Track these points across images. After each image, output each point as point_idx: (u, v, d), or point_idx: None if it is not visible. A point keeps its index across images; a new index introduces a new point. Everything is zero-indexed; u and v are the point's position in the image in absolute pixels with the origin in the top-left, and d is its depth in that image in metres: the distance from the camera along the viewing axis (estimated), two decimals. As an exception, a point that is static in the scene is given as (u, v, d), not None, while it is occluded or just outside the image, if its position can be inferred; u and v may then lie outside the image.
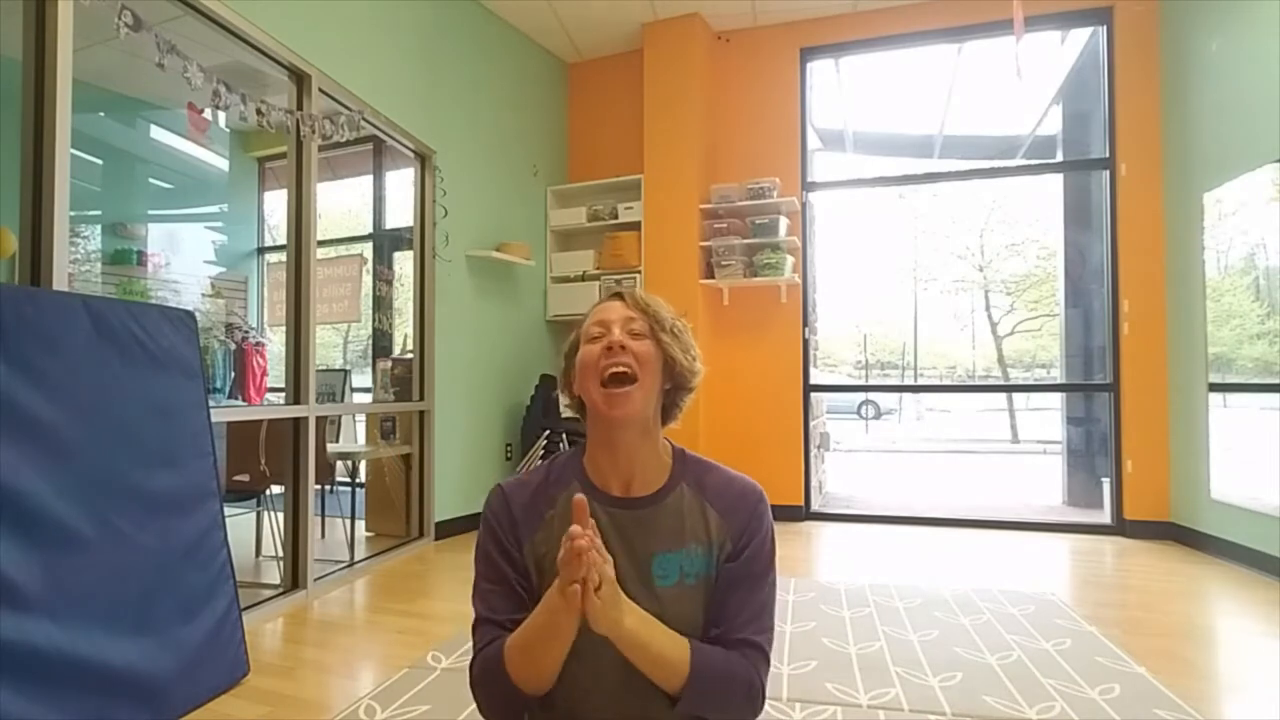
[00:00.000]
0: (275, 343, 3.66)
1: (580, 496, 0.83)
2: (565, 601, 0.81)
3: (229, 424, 3.16)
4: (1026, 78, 3.45)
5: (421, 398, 3.78)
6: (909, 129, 5.83)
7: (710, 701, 0.91)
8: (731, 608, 0.95)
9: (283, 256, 3.00)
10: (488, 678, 0.93)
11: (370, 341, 4.21)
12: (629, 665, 0.89)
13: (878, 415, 13.45)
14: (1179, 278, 3.79)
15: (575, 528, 0.80)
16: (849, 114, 5.53)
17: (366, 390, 4.21)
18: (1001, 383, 13.16)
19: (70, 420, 1.67)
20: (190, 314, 2.12)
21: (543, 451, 4.21)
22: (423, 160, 3.80)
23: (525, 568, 0.98)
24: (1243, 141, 3.25)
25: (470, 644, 0.98)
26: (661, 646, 0.89)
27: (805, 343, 4.52)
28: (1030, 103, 5.38)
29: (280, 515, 3.10)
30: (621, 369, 0.93)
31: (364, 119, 3.19)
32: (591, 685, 0.93)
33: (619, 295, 1.02)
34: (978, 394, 16.48)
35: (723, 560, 0.97)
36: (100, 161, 3.57)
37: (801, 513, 4.42)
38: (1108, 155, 4.11)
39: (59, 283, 1.95)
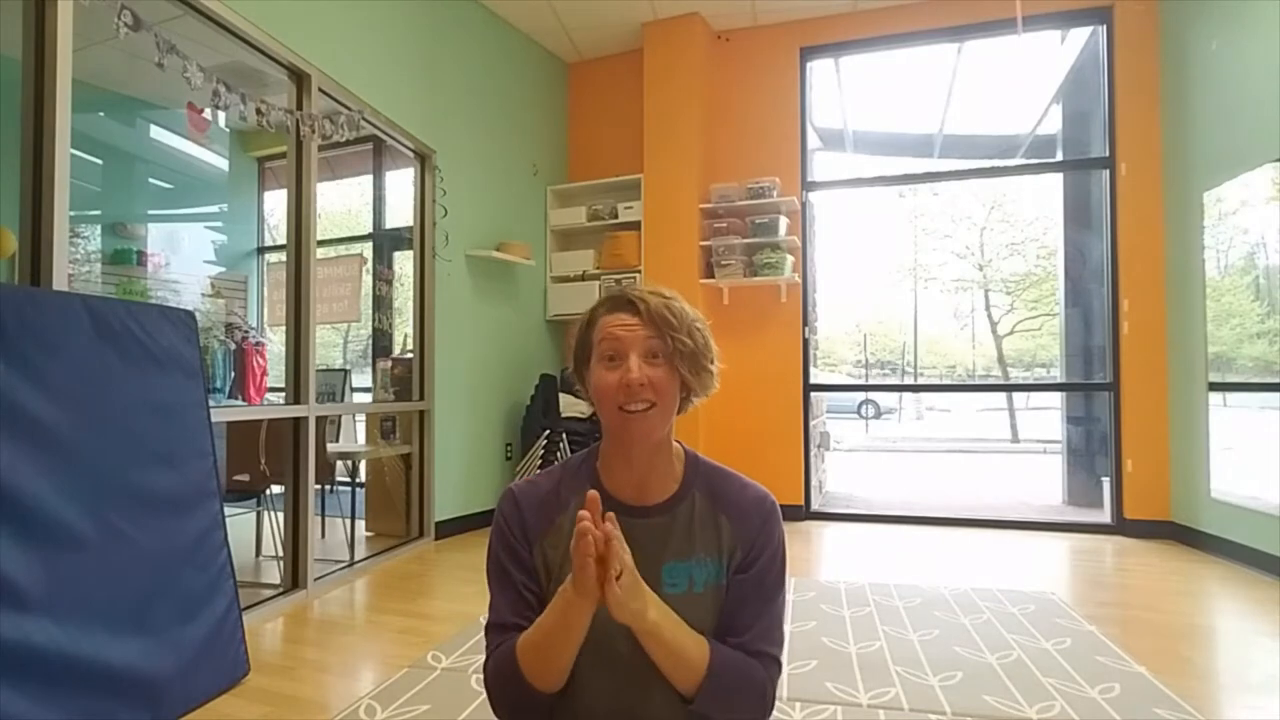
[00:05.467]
0: (275, 343, 3.65)
1: (593, 493, 0.83)
2: (578, 588, 0.82)
3: (229, 424, 3.16)
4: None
5: (421, 398, 3.78)
6: (909, 128, 5.83)
7: (724, 703, 0.91)
8: (746, 621, 0.95)
9: (283, 256, 3.00)
10: (501, 678, 0.93)
11: (370, 341, 4.21)
12: (636, 659, 0.89)
13: (878, 415, 13.44)
14: (1179, 277, 3.79)
15: (582, 511, 0.81)
16: (849, 113, 5.53)
17: (366, 390, 4.21)
18: (1001, 382, 13.15)
19: (70, 420, 1.67)
20: (190, 314, 2.12)
21: (543, 451, 4.21)
22: (423, 160, 3.80)
23: (534, 570, 0.98)
24: (1242, 140, 3.25)
25: (473, 644, 0.98)
26: (682, 643, 0.89)
27: (805, 342, 4.52)
28: (1030, 102, 5.38)
29: (280, 515, 3.10)
30: (641, 405, 0.92)
31: (364, 119, 3.19)
32: (596, 677, 0.94)
33: (631, 303, 0.96)
34: (978, 393, 16.46)
35: (733, 569, 0.97)
36: (100, 161, 3.57)
37: (801, 512, 4.43)
38: (1108, 154, 4.11)
39: (59, 283, 1.95)
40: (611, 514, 0.84)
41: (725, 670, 0.91)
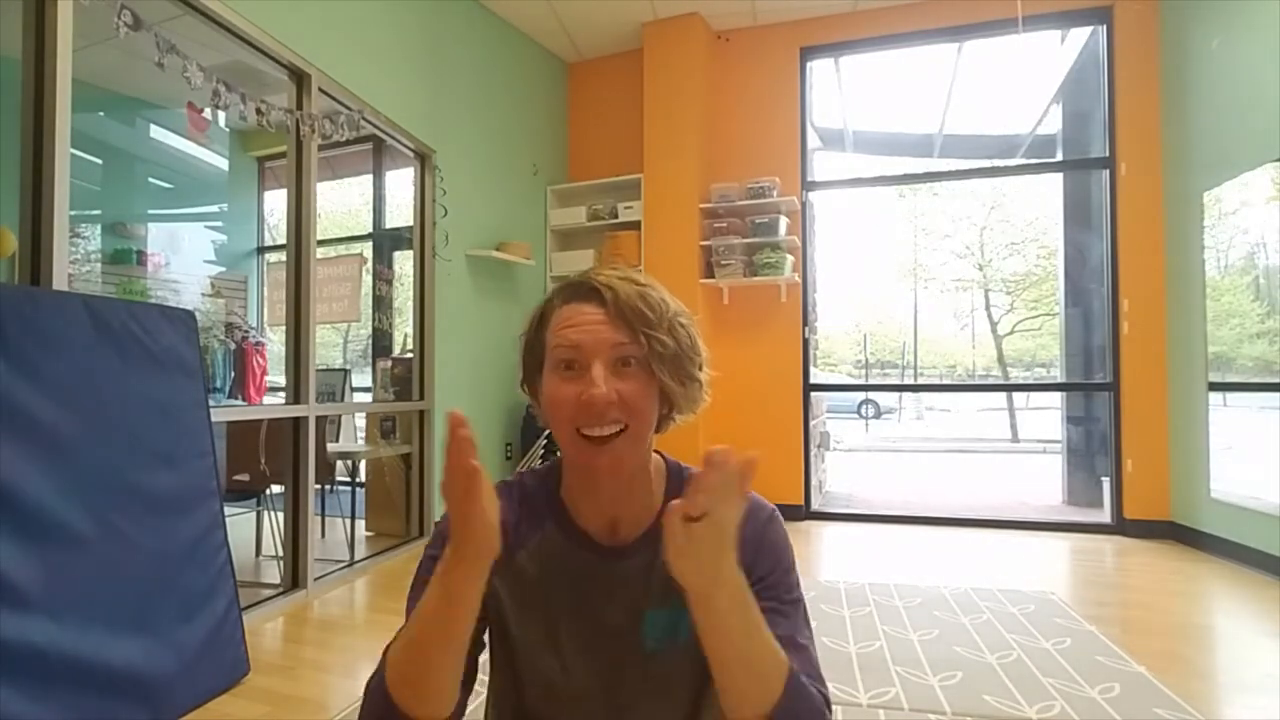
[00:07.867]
0: (275, 342, 3.66)
1: (456, 412, 0.64)
2: (455, 529, 0.62)
3: (229, 424, 3.15)
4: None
5: (421, 397, 3.78)
6: (909, 128, 5.83)
7: None
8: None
9: (283, 256, 2.99)
10: (367, 695, 0.70)
11: (370, 341, 4.21)
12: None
13: (878, 414, 13.44)
14: (1179, 277, 3.79)
15: (455, 412, 0.63)
16: (849, 113, 5.53)
17: (366, 390, 4.21)
18: (1001, 382, 13.16)
19: (70, 420, 1.67)
20: (190, 314, 2.12)
21: (542, 451, 4.21)
22: (423, 160, 3.80)
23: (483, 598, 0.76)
24: (1242, 140, 3.25)
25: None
26: (765, 639, 0.66)
27: (805, 342, 4.52)
28: (1030, 102, 5.38)
29: (280, 515, 3.10)
30: (608, 429, 0.71)
31: (364, 119, 3.19)
32: None
33: (595, 291, 0.74)
34: (978, 393, 16.47)
35: None
36: (100, 161, 3.57)
37: (801, 512, 4.43)
38: (1108, 154, 4.10)
39: (59, 283, 1.95)
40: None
41: (800, 695, 0.67)
